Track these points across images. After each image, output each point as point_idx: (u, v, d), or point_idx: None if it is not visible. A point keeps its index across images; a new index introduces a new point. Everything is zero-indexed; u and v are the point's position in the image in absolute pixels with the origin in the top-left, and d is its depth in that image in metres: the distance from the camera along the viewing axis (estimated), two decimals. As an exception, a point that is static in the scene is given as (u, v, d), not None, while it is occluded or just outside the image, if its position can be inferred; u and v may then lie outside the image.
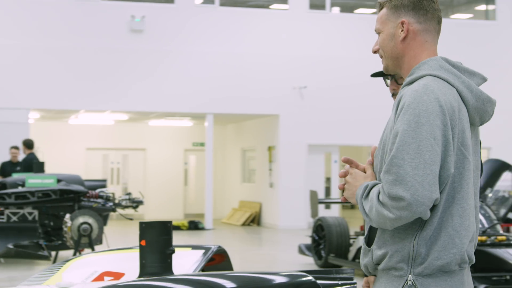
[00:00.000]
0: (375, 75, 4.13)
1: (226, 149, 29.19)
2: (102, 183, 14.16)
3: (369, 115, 24.11)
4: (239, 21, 23.49)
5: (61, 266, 5.49)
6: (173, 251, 4.83)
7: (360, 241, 13.12)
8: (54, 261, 12.00)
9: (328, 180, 25.41)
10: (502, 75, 24.83)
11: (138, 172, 28.44)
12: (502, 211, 13.78)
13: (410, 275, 2.86)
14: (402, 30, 3.08)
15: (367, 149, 26.03)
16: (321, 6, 24.41)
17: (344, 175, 3.10)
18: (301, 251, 14.79)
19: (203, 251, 5.52)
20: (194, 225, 23.16)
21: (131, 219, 12.52)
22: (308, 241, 16.09)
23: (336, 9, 24.78)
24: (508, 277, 10.75)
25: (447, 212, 2.86)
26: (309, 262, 14.64)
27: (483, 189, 12.78)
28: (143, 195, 12.59)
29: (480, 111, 3.00)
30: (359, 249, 13.07)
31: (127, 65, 22.57)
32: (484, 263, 10.88)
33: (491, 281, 10.82)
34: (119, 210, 12.54)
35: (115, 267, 5.42)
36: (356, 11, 25.78)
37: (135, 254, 5.76)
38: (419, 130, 2.78)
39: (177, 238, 20.51)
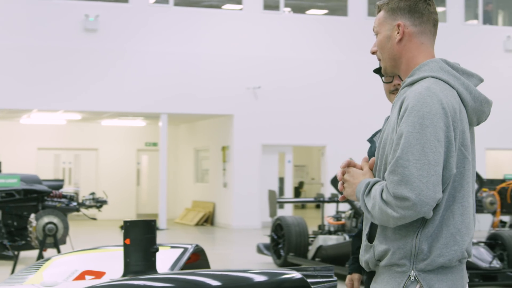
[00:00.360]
0: (377, 70, 4.19)
1: (179, 149, 29.15)
2: (60, 183, 14.06)
3: (323, 116, 24.29)
4: (193, 21, 23.48)
5: (41, 265, 5.48)
6: (157, 250, 4.85)
7: (320, 240, 13.24)
8: (15, 262, 11.89)
9: (281, 180, 25.52)
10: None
11: (90, 172, 28.26)
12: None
13: (412, 271, 2.94)
14: (398, 32, 3.16)
15: (319, 148, 26.17)
16: (275, 7, 24.51)
17: (341, 175, 3.17)
18: (259, 251, 14.86)
19: (182, 249, 5.55)
20: (148, 225, 23.04)
21: (94, 219, 12.48)
22: (267, 240, 16.17)
23: (288, 10, 24.88)
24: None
25: (448, 211, 2.94)
26: (268, 261, 14.72)
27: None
28: (107, 194, 12.56)
29: (478, 111, 3.09)
30: (318, 248, 13.19)
31: (80, 64, 22.43)
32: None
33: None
34: (83, 210, 12.50)
35: (95, 266, 5.42)
36: (309, 12, 25.88)
37: (114, 253, 5.79)
38: (423, 132, 2.86)
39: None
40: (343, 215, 13.81)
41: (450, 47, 25.52)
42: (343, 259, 12.59)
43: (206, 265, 5.83)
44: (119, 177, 28.26)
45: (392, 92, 4.12)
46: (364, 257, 3.14)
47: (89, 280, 5.00)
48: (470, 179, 3.02)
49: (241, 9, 24.23)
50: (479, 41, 26.01)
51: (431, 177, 2.82)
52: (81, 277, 5.24)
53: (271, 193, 15.09)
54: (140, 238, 4.80)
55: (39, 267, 5.43)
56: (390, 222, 2.89)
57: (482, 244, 11.70)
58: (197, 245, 5.60)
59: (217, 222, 25.04)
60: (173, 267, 5.29)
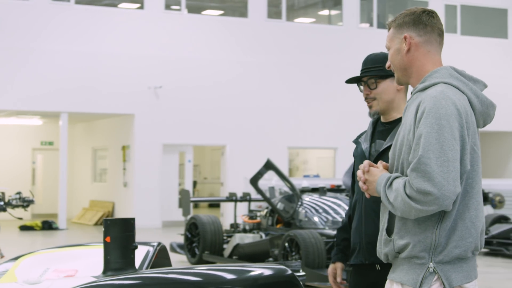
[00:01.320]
0: (349, 81, 4.49)
1: (75, 148, 28.82)
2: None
3: (223, 116, 24.52)
4: (94, 20, 23.31)
5: (11, 264, 5.50)
6: (136, 247, 4.97)
7: (237, 238, 13.47)
8: None
9: (181, 179, 25.61)
10: (346, 76, 25.81)
11: (-17, 172, 27.64)
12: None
13: (431, 263, 3.22)
14: (405, 44, 3.45)
15: (212, 148, 26.33)
16: (176, 7, 24.57)
17: (362, 174, 3.43)
18: (172, 249, 14.96)
19: (147, 247, 5.66)
20: (48, 225, 22.83)
21: (21, 218, 12.28)
22: (178, 239, 16.29)
23: (186, 10, 24.96)
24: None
25: (463, 205, 3.24)
26: (182, 259, 14.84)
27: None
28: (33, 194, 12.41)
29: (484, 114, 3.40)
30: (235, 246, 13.41)
31: (-22, 61, 21.98)
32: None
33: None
34: (9, 210, 12.31)
35: (65, 264, 5.48)
36: (205, 12, 25.93)
37: (83, 250, 5.87)
38: (441, 132, 3.15)
39: (32, 239, 20.21)
40: (258, 213, 14.08)
41: (346, 50, 26.18)
42: (260, 256, 12.86)
43: (168, 263, 5.96)
44: (13, 176, 27.68)
45: (366, 100, 4.40)
46: (384, 250, 3.39)
47: (73, 279, 5.04)
48: (481, 177, 3.33)
49: (139, 8, 24.16)
50: (374, 45, 26.68)
51: (450, 173, 3.11)
52: (53, 275, 5.29)
53: (184, 192, 15.22)
54: (120, 236, 4.91)
55: (10, 267, 5.46)
56: (412, 214, 3.16)
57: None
58: (159, 243, 5.73)
59: (117, 222, 24.89)
60: (141, 264, 5.40)
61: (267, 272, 4.50)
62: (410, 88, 4.19)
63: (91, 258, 5.59)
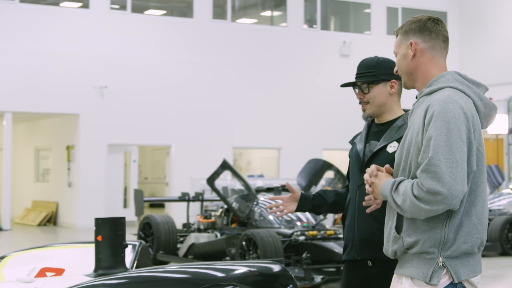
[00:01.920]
0: (345, 85, 4.65)
1: (17, 148, 28.48)
2: None
3: (167, 116, 24.52)
4: (39, 19, 23.09)
5: (-3, 264, 5.52)
6: (127, 246, 5.04)
7: (192, 238, 13.54)
8: None
9: (126, 179, 25.53)
10: (290, 77, 26.13)
11: None
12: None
13: (440, 258, 3.39)
14: (411, 50, 3.63)
15: (153, 148, 26.25)
16: (122, 6, 24.49)
17: (369, 177, 3.60)
18: (125, 249, 14.92)
19: (131, 246, 5.73)
20: (-8, 226, 22.58)
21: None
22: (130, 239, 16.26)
23: (138, 10, 24.88)
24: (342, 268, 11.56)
25: (470, 203, 3.43)
26: (134, 259, 14.81)
27: (308, 187, 13.60)
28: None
29: (487, 116, 3.59)
30: (191, 246, 13.48)
31: None
32: (317, 255, 11.66)
33: (325, 272, 11.62)
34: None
35: (52, 263, 5.51)
36: (147, 12, 25.85)
37: (68, 250, 5.92)
38: (450, 134, 3.33)
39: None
40: (213, 213, 14.17)
41: (289, 51, 26.40)
42: (216, 256, 12.97)
43: (149, 262, 6.03)
44: (-47, 177, 27.29)
45: (360, 103, 4.58)
46: (392, 247, 3.54)
47: (66, 277, 5.08)
48: (486, 175, 3.51)
49: (84, 7, 24.00)
50: (317, 46, 27.01)
51: (459, 173, 3.29)
52: (41, 274, 5.33)
53: (137, 192, 15.22)
54: (111, 235, 4.97)
55: (-4, 266, 5.47)
56: (422, 215, 3.34)
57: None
58: (141, 242, 5.81)
59: (61, 222, 24.75)
60: (129, 263, 5.45)
61: (260, 268, 4.61)
62: (404, 92, 4.37)
63: (76, 257, 5.64)
